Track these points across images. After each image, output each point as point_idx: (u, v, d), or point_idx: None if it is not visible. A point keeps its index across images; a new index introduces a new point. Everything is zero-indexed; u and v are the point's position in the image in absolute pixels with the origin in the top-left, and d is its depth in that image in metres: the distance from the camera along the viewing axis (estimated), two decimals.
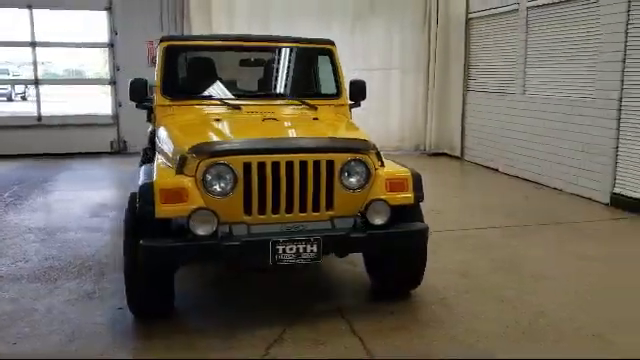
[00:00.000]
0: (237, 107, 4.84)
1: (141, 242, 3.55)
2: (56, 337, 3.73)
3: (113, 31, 11.56)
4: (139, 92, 5.05)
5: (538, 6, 8.69)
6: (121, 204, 7.40)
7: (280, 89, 5.31)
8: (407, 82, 11.90)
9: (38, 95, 11.75)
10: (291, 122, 4.68)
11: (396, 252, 4.13)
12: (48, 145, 11.41)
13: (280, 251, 3.66)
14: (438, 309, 4.20)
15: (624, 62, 7.03)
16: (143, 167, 4.22)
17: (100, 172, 10.12)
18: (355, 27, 11.44)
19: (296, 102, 5.06)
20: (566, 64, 8.14)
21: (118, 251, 5.44)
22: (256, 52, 5.41)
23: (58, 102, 12.69)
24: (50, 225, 6.44)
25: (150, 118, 5.06)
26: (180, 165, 3.77)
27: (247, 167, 3.71)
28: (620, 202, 7.18)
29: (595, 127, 7.54)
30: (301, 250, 3.70)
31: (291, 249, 3.68)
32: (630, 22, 6.92)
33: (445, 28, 11.31)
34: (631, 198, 7.06)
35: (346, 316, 4.06)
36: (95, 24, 11.69)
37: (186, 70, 5.16)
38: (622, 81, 7.06)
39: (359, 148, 3.94)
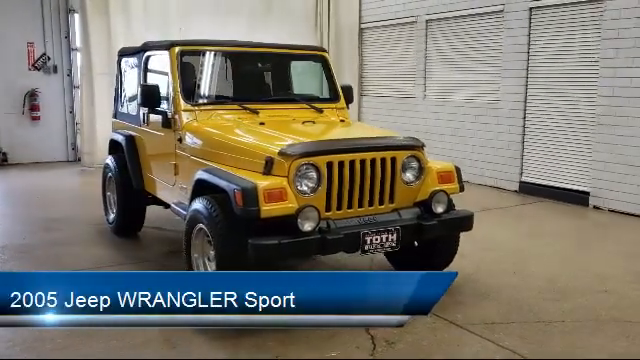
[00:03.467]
0: (255, 111, 5.00)
1: (250, 241, 3.68)
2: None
3: None
4: (152, 98, 4.94)
5: (438, 19, 9.74)
6: (64, 217, 7.01)
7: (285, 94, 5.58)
8: (302, 89, 12.34)
9: None
10: (328, 125, 4.99)
11: (451, 236, 4.64)
12: None
13: (368, 242, 4.00)
14: (473, 285, 4.79)
15: (527, 69, 8.27)
16: (203, 171, 4.22)
17: None
18: (250, 31, 11.58)
19: (304, 106, 5.35)
20: (469, 71, 9.26)
21: (121, 259, 5.37)
22: (258, 58, 5.57)
23: None
24: (11, 243, 5.91)
25: (168, 124, 4.95)
26: (268, 167, 3.92)
27: (329, 166, 3.99)
28: (527, 189, 8.43)
29: (501, 126, 8.72)
30: (384, 240, 4.07)
31: (376, 239, 4.04)
32: (532, 33, 8.17)
33: (337, 36, 11.97)
34: (537, 185, 8.34)
35: None
36: None
37: (199, 75, 5.16)
38: (526, 85, 8.30)
39: (415, 145, 4.41)
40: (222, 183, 3.93)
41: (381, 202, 4.25)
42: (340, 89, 5.64)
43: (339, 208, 4.08)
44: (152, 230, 6.36)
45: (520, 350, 3.63)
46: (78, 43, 10.84)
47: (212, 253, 4.13)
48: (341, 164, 4.03)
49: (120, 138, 5.99)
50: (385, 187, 4.24)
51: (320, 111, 5.33)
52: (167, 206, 6.08)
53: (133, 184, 5.78)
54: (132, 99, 5.96)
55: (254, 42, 5.76)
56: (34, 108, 10.92)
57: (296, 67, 6.12)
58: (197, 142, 4.65)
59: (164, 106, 5.02)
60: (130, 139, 5.86)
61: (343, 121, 5.22)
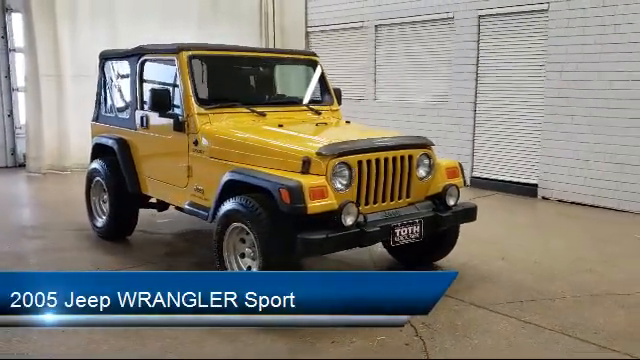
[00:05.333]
0: (262, 114, 5.21)
1: (299, 236, 3.92)
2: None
3: None
4: (163, 102, 5.01)
5: (388, 24, 10.22)
6: (36, 224, 6.86)
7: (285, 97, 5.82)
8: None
9: None
10: (342, 127, 5.31)
11: (455, 227, 5.05)
12: None
13: (397, 234, 4.35)
14: (473, 271, 5.24)
15: (477, 73, 8.92)
16: (233, 172, 4.38)
17: None
18: (200, 33, 11.57)
19: (304, 108, 5.63)
20: (419, 74, 9.81)
21: (123, 262, 5.40)
22: (260, 63, 5.76)
23: None
24: (9, 251, 5.76)
25: (181, 127, 5.03)
26: (306, 166, 4.16)
27: (359, 164, 4.31)
28: (479, 183, 9.09)
29: (452, 125, 9.33)
30: (409, 232, 4.42)
31: (404, 231, 4.39)
32: (481, 39, 8.83)
33: (283, 39, 12.19)
34: (487, 179, 9.02)
35: None
36: None
37: (207, 78, 5.28)
38: (476, 87, 8.95)
39: (427, 144, 4.80)
40: (263, 183, 4.13)
41: (399, 197, 4.61)
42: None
43: (366, 203, 4.40)
44: (139, 234, 6.35)
45: (542, 323, 4.09)
46: (17, 44, 10.43)
47: (247, 250, 4.32)
48: (368, 162, 4.35)
49: (110, 142, 5.95)
50: (403, 183, 4.60)
51: (319, 113, 5.63)
52: (161, 208, 6.15)
53: (128, 187, 5.79)
54: (123, 102, 5.96)
55: (255, 47, 5.96)
56: None
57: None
58: (218, 144, 4.77)
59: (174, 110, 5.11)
60: (122, 142, 5.85)
61: (349, 122, 5.53)
